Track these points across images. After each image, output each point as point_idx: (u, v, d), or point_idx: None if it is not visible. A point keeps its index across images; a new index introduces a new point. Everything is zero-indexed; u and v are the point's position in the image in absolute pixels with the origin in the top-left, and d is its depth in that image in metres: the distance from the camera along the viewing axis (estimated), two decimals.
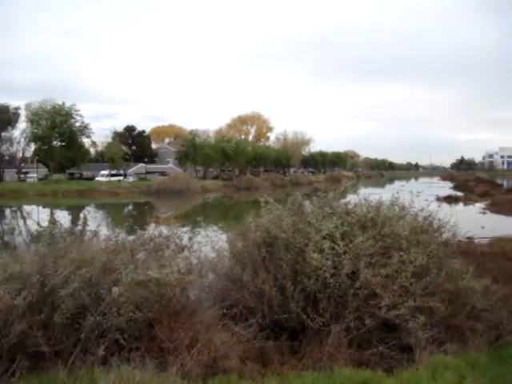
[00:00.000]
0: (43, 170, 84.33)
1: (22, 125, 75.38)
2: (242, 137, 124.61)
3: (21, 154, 79.26)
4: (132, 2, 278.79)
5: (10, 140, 76.90)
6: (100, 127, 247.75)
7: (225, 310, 6.73)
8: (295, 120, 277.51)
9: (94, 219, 31.69)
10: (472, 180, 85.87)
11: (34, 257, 6.18)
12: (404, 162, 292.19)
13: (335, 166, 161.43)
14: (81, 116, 76.38)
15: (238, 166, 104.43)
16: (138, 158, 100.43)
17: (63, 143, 75.43)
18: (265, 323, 6.80)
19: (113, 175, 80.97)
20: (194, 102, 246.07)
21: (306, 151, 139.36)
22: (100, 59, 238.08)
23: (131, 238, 7.71)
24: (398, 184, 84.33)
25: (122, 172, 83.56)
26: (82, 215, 40.07)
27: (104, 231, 8.25)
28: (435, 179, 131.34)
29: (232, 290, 7.28)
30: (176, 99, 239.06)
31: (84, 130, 77.17)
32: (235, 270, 7.40)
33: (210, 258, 7.70)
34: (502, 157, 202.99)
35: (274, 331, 6.84)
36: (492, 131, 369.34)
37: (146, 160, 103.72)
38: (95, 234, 7.69)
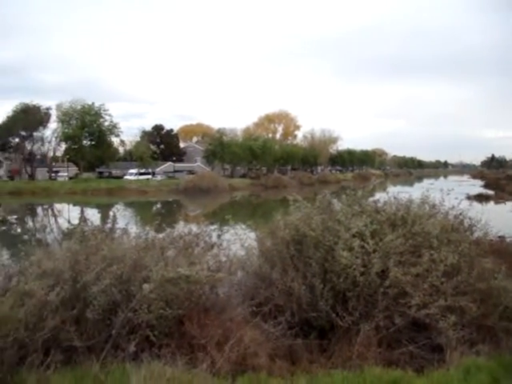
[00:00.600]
0: (73, 169, 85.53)
1: (53, 125, 76.80)
2: (270, 135, 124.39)
3: (52, 154, 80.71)
4: (159, 3, 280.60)
5: (42, 139, 78.09)
6: (129, 126, 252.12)
7: (254, 308, 6.73)
8: (322, 118, 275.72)
9: (123, 217, 32.05)
10: (503, 178, 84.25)
11: (67, 254, 6.29)
12: (433, 160, 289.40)
13: (363, 165, 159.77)
14: (110, 115, 77.69)
15: (266, 165, 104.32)
16: (166, 157, 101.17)
17: (93, 142, 76.65)
18: (294, 321, 6.79)
19: (141, 174, 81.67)
20: (222, 101, 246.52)
21: (333, 149, 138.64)
22: (129, 59, 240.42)
23: (161, 235, 7.78)
24: (426, 182, 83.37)
25: (150, 171, 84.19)
26: (111, 213, 40.53)
27: (133, 229, 8.35)
28: (465, 177, 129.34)
29: (261, 288, 7.28)
30: (204, 98, 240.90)
31: (113, 129, 78.30)
32: (264, 268, 7.40)
33: (239, 256, 7.71)
34: None
35: (302, 329, 6.83)
36: None
37: (174, 159, 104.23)
38: (125, 231, 7.78)
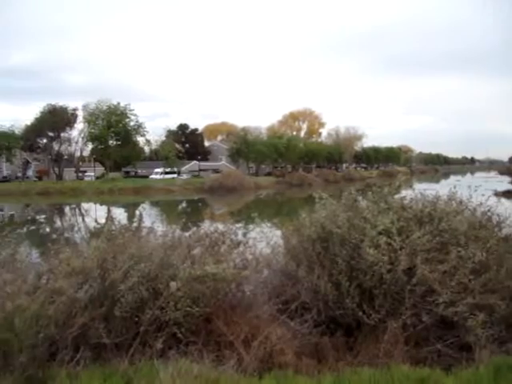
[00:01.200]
0: (100, 169, 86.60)
1: (80, 125, 77.93)
2: (294, 133, 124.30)
3: (79, 154, 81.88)
4: (185, 3, 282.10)
5: (69, 140, 79.33)
6: (154, 126, 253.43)
7: (280, 306, 6.73)
8: (347, 115, 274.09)
9: (150, 216, 32.34)
10: None
11: (95, 252, 6.37)
12: (459, 156, 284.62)
13: (388, 162, 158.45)
14: (135, 115, 78.25)
15: (291, 163, 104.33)
16: (191, 156, 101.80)
17: (119, 142, 77.37)
18: (320, 319, 6.77)
19: (167, 173, 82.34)
20: (246, 100, 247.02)
21: (358, 146, 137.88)
22: (155, 60, 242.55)
23: (187, 234, 7.83)
24: (453, 179, 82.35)
25: (175, 170, 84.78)
26: (137, 212, 40.93)
27: (160, 227, 8.41)
28: (492, 173, 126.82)
29: (287, 286, 7.27)
30: (228, 97, 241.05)
31: (138, 128, 78.89)
32: (290, 265, 7.39)
33: (265, 254, 7.71)
34: None
35: (329, 327, 6.80)
36: None
37: (199, 157, 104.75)
38: (152, 230, 7.84)
